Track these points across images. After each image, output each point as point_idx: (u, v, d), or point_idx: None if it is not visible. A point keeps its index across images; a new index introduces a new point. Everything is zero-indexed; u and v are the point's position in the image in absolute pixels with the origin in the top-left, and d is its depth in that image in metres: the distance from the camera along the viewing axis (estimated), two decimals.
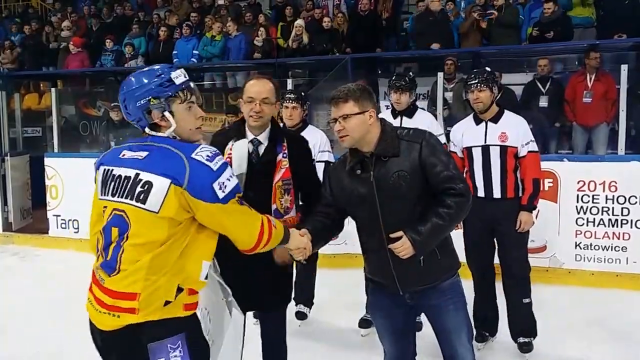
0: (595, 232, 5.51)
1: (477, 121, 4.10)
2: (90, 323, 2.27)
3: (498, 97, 4.11)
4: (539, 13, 8.39)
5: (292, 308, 4.20)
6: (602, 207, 5.47)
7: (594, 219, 5.50)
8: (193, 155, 2.15)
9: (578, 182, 5.51)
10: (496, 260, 4.16)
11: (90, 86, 11.43)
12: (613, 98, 6.93)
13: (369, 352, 4.09)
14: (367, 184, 2.60)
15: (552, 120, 7.47)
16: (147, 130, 2.27)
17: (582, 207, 5.53)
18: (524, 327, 4.11)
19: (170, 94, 2.23)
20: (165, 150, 2.19)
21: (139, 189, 2.15)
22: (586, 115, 7.17)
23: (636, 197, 5.36)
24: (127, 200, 2.17)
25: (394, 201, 2.56)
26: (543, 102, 7.39)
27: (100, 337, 2.24)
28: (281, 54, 9.73)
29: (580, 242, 5.56)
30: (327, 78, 7.69)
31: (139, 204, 2.14)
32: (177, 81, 2.26)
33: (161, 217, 2.12)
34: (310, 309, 4.76)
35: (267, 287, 2.94)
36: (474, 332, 3.51)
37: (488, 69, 4.29)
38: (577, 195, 5.53)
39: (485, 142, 4.03)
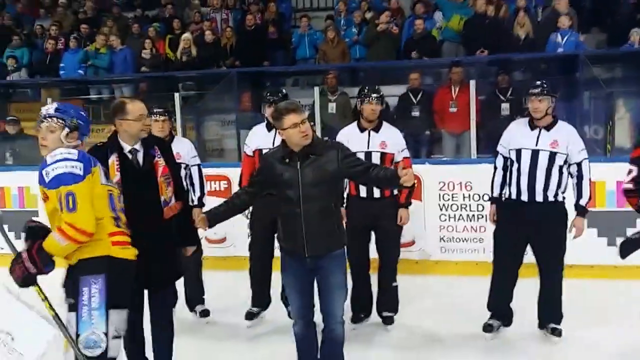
0: (456, 226, 6.49)
1: (361, 130, 4.87)
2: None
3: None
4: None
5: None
6: (461, 204, 6.46)
7: (455, 214, 6.48)
8: None
9: (439, 183, 6.46)
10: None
11: None
12: (476, 108, 8.07)
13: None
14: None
15: (424, 128, 8.54)
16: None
17: (444, 204, 6.48)
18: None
19: None
20: None
21: None
22: (453, 124, 8.27)
23: (488, 195, 6.36)
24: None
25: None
26: (415, 112, 8.44)
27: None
28: (170, 67, 10.29)
29: (444, 236, 6.51)
30: (214, 91, 8.34)
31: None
32: None
33: None
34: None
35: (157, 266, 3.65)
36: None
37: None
38: (439, 194, 6.47)
39: (367, 149, 4.80)
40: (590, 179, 4.56)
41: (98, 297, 3.12)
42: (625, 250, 3.89)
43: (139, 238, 3.40)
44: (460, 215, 6.47)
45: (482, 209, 6.39)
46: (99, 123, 10.11)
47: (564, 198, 4.59)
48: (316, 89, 7.78)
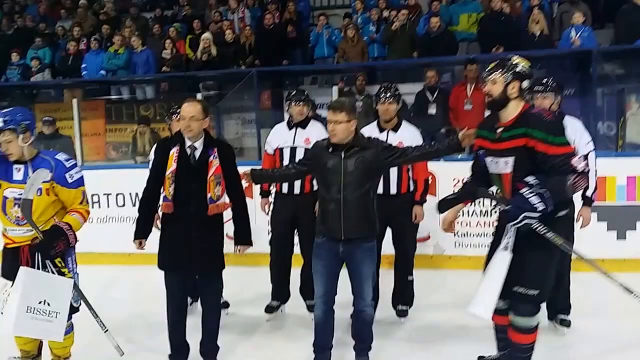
0: (470, 221, 6.71)
1: (381, 129, 5.05)
2: None
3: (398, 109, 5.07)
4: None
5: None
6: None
7: (469, 210, 6.69)
8: None
9: (453, 179, 6.67)
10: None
11: None
12: None
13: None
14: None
15: (440, 126, 8.74)
16: None
17: None
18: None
19: None
20: None
21: None
22: (467, 121, 8.39)
23: None
24: None
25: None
26: (432, 110, 8.64)
27: None
28: (190, 67, 10.53)
29: (458, 231, 6.72)
30: (235, 90, 8.58)
31: None
32: None
33: None
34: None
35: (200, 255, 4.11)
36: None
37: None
38: (453, 191, 6.66)
39: None
40: (596, 171, 4.72)
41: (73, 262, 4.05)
42: (444, 207, 4.10)
43: (181, 226, 4.05)
44: (474, 210, 6.68)
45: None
46: (121, 122, 10.48)
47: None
48: (334, 88, 7.98)
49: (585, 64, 8.62)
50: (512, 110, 3.56)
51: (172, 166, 4.06)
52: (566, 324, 4.89)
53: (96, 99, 10.63)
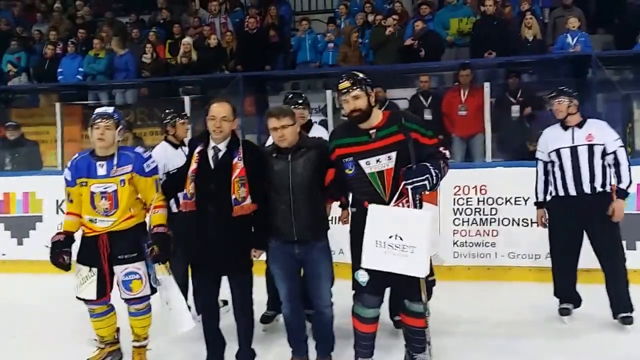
0: (469, 230, 6.50)
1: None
2: None
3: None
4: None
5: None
6: (475, 208, 6.47)
7: (468, 219, 6.49)
8: None
9: (454, 187, 6.47)
10: None
11: None
12: None
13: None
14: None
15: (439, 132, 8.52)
16: None
17: (457, 209, 6.49)
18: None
19: None
20: None
21: None
22: (462, 127, 8.26)
23: (502, 198, 6.40)
24: None
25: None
26: (427, 115, 8.41)
27: None
28: (170, 71, 10.30)
29: (457, 241, 6.52)
30: (221, 95, 8.33)
31: None
32: None
33: None
34: None
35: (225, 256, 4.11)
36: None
37: None
38: (454, 199, 6.49)
39: None
40: (628, 165, 4.89)
41: None
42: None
43: (201, 226, 4.09)
44: (474, 219, 6.48)
45: (496, 213, 6.40)
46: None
47: (611, 188, 4.90)
48: (328, 93, 7.90)
49: (582, 69, 8.48)
50: (377, 115, 3.86)
51: (192, 165, 4.11)
52: (628, 321, 4.91)
53: (73, 104, 10.25)
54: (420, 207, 3.88)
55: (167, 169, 5.20)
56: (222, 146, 4.10)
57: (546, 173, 5.12)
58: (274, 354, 4.75)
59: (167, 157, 5.23)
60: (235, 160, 4.06)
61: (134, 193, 4.26)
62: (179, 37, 10.64)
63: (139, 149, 4.38)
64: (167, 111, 5.59)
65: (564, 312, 5.16)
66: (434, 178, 3.72)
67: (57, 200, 7.45)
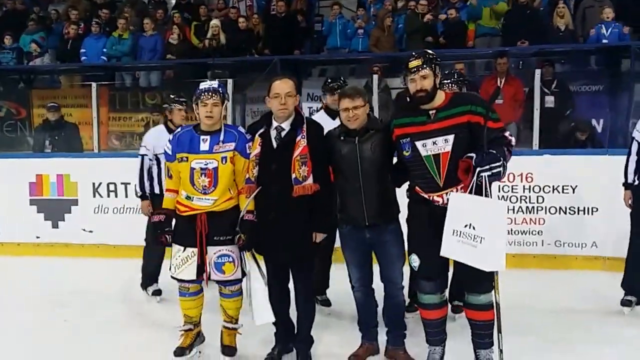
0: (514, 218, 6.55)
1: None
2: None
3: None
4: None
5: None
6: (520, 196, 6.52)
7: (514, 207, 6.53)
8: None
9: None
10: None
11: None
12: (521, 99, 8.14)
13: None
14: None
15: None
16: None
17: (503, 196, 6.52)
18: None
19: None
20: None
21: None
22: (502, 116, 8.24)
23: (549, 187, 6.45)
24: None
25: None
26: None
27: None
28: (196, 53, 10.26)
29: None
30: (260, 79, 8.35)
31: None
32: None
33: None
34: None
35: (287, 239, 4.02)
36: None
37: None
38: (499, 186, 6.52)
39: None
40: None
41: None
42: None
43: (263, 208, 4.04)
44: (520, 207, 6.52)
45: (542, 201, 6.46)
46: (125, 111, 10.07)
47: None
48: (375, 77, 7.88)
49: (615, 60, 8.53)
50: (440, 96, 3.75)
51: (256, 149, 4.04)
52: None
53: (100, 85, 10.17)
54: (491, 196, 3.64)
55: (156, 151, 5.38)
56: (286, 125, 4.00)
57: (639, 153, 4.91)
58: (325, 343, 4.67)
59: (159, 140, 5.23)
60: (299, 138, 3.96)
61: (233, 174, 4.11)
62: (205, 19, 10.59)
63: (241, 129, 4.26)
64: (171, 96, 5.70)
65: (625, 303, 5.03)
66: (506, 165, 3.59)
67: (94, 184, 7.40)
